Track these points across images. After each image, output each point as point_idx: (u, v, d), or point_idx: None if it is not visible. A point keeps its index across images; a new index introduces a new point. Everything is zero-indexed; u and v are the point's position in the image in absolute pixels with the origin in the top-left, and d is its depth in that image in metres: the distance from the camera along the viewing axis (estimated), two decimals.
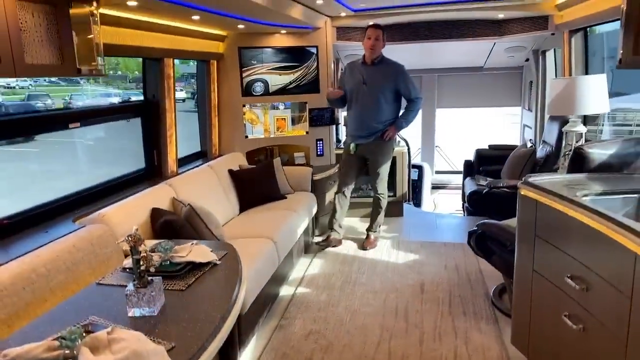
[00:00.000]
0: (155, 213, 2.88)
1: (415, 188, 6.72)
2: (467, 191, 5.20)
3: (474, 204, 4.99)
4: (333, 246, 4.35)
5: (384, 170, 4.27)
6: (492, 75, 6.84)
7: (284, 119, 4.94)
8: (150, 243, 2.08)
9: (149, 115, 3.77)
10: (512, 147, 5.32)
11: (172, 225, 2.75)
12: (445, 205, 7.11)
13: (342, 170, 4.42)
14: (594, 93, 3.43)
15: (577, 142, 3.60)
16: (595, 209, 1.84)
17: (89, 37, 2.32)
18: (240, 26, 4.18)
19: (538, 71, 5.55)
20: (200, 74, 4.68)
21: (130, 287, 1.64)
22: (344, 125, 4.86)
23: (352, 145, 4.22)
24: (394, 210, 5.12)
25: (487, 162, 5.62)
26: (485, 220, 3.11)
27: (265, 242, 3.23)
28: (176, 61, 3.93)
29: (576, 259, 1.94)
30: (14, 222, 2.54)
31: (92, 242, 2.29)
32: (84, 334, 1.33)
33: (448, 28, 5.00)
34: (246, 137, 4.86)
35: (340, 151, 4.67)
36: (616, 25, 2.59)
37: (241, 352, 2.68)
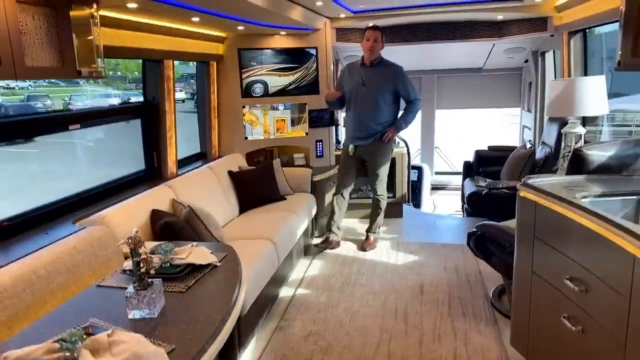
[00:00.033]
0: (155, 215, 2.88)
1: (415, 189, 6.73)
2: (467, 192, 5.21)
3: (474, 205, 4.99)
4: (332, 248, 4.35)
5: (383, 171, 4.28)
6: (491, 77, 6.85)
7: (284, 120, 4.95)
8: (150, 245, 2.09)
9: (149, 116, 3.77)
10: (511, 148, 5.34)
11: (172, 226, 2.76)
12: (444, 206, 7.12)
13: (340, 171, 4.41)
14: (593, 94, 3.44)
15: (576, 143, 3.60)
16: (594, 210, 1.84)
17: (89, 39, 2.32)
18: (240, 28, 4.19)
19: (537, 72, 5.56)
20: (200, 76, 4.68)
21: (131, 289, 1.65)
22: (344, 126, 4.86)
23: (350, 147, 4.22)
24: (394, 211, 5.13)
25: (486, 163, 5.63)
26: (485, 222, 3.12)
27: (264, 244, 3.23)
28: (176, 62, 3.94)
29: (575, 261, 1.94)
30: (14, 223, 2.54)
31: (92, 243, 2.29)
32: (84, 336, 1.34)
33: (447, 29, 5.01)
34: (246, 138, 4.86)
35: (340, 152, 4.67)
36: (615, 26, 2.60)
37: (241, 354, 2.68)
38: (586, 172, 2.47)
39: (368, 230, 4.46)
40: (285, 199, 4.24)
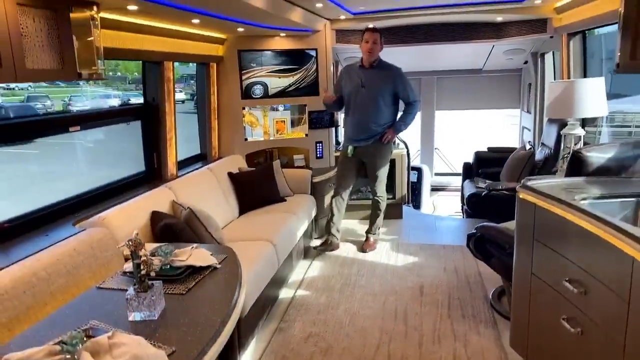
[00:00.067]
0: (155, 216, 2.88)
1: (415, 190, 6.73)
2: (466, 193, 5.21)
3: (473, 206, 4.99)
4: (331, 250, 4.35)
5: (383, 173, 4.28)
6: (491, 78, 6.86)
7: (284, 121, 4.95)
8: (150, 246, 2.09)
9: (149, 118, 3.77)
10: (511, 150, 5.34)
11: (172, 228, 2.76)
12: (444, 207, 7.12)
13: (339, 173, 4.40)
14: (592, 96, 3.44)
15: (575, 144, 3.61)
16: (593, 213, 1.85)
17: (89, 41, 2.33)
18: (240, 29, 4.19)
19: (537, 73, 5.56)
20: (200, 77, 4.69)
21: (131, 291, 1.65)
22: (344, 127, 4.87)
23: (350, 148, 4.22)
24: (394, 212, 5.14)
25: (486, 164, 5.63)
26: (484, 223, 3.13)
27: (264, 245, 3.24)
28: (176, 63, 3.94)
29: (574, 263, 1.95)
30: (14, 225, 2.54)
31: (93, 245, 2.29)
32: (85, 339, 1.34)
33: (447, 31, 5.02)
34: (246, 139, 4.87)
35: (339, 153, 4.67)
36: (615, 27, 2.60)
37: (241, 355, 2.68)
38: (585, 173, 2.48)
39: (368, 232, 4.46)
40: (285, 200, 4.25)
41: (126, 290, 1.70)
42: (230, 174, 4.12)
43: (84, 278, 2.15)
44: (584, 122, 4.12)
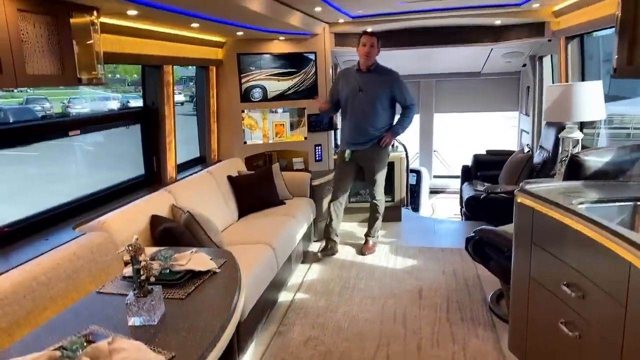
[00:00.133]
0: (155, 220, 2.89)
1: (413, 193, 6.74)
2: (465, 196, 5.22)
3: (472, 209, 5.00)
4: (331, 255, 4.34)
5: (381, 176, 4.29)
6: (489, 81, 6.88)
7: (283, 124, 4.96)
8: (149, 251, 2.10)
9: (149, 122, 3.79)
10: (509, 153, 5.35)
11: (171, 232, 2.77)
12: (443, 209, 7.13)
13: (337, 177, 4.40)
14: (590, 100, 3.45)
15: (573, 148, 3.62)
16: (590, 217, 1.86)
17: (89, 45, 2.34)
18: (239, 33, 4.21)
19: (535, 76, 5.58)
20: (200, 80, 4.70)
21: (131, 296, 1.66)
22: (341, 131, 4.88)
23: (347, 153, 4.21)
24: (392, 215, 5.14)
25: (484, 167, 5.64)
26: (483, 227, 3.14)
27: (264, 249, 3.24)
28: (175, 65, 3.95)
29: (572, 267, 1.96)
30: (14, 229, 2.55)
31: (92, 249, 2.30)
32: (85, 344, 1.35)
33: (446, 34, 5.04)
34: (245, 142, 4.88)
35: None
36: (612, 30, 2.61)
37: (240, 359, 2.69)
38: (583, 177, 2.49)
39: (367, 235, 4.47)
40: (284, 203, 4.26)
41: (126, 295, 1.71)
42: (229, 177, 4.13)
43: (84, 282, 2.16)
44: (582, 125, 4.13)
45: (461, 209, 5.74)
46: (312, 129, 4.98)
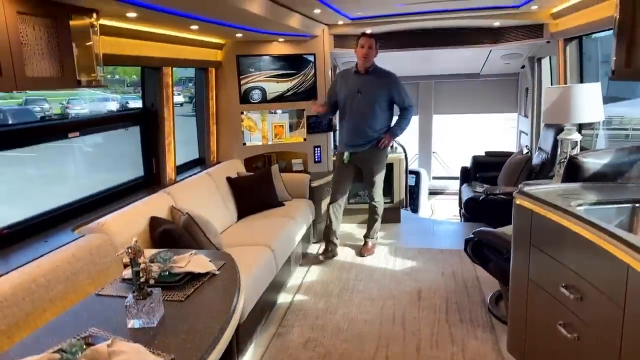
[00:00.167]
0: (154, 222, 2.89)
1: (413, 194, 6.74)
2: (464, 198, 5.23)
3: (471, 210, 5.01)
4: (332, 257, 4.34)
5: (380, 178, 4.29)
6: (488, 82, 6.90)
7: (282, 125, 4.97)
8: (149, 252, 2.10)
9: (148, 123, 3.79)
10: (508, 154, 5.36)
11: (170, 234, 2.77)
12: (442, 210, 7.13)
13: (335, 179, 4.38)
14: (588, 101, 3.46)
15: (572, 149, 3.63)
16: (588, 219, 1.86)
17: (89, 48, 2.34)
18: (239, 35, 4.21)
19: (534, 78, 5.59)
20: (199, 82, 4.70)
21: (130, 298, 1.66)
22: (339, 132, 4.89)
23: (346, 155, 4.21)
24: (391, 216, 5.14)
25: (483, 168, 5.65)
26: (482, 228, 3.14)
27: (263, 250, 3.24)
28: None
29: (571, 269, 1.97)
30: (13, 231, 2.55)
31: (92, 251, 2.30)
32: (84, 347, 1.35)
33: (445, 35, 5.05)
34: (244, 144, 4.88)
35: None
36: (611, 31, 2.61)
37: None
38: (582, 179, 2.49)
39: (366, 236, 4.47)
40: (284, 204, 4.26)
41: (125, 297, 1.71)
42: (228, 179, 4.13)
43: (83, 284, 2.16)
44: (581, 126, 4.14)
45: (460, 211, 5.74)
46: (311, 131, 4.98)
